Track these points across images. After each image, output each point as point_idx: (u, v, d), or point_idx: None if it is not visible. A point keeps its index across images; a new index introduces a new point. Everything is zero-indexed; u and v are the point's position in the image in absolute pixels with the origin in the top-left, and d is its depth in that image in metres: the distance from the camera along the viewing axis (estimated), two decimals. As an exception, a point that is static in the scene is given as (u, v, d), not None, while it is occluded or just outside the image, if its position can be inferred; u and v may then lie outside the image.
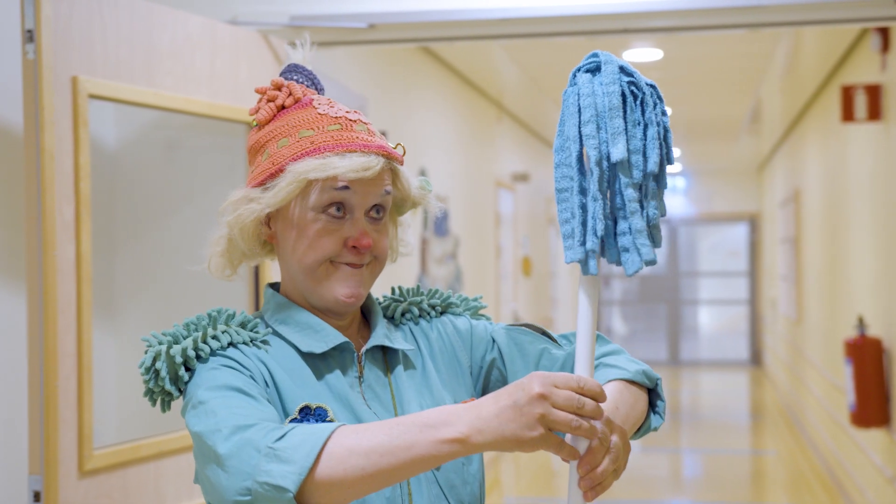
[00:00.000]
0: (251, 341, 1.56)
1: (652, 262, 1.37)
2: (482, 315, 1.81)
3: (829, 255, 8.13)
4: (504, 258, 9.57)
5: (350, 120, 1.60)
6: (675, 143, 12.68)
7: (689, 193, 16.26)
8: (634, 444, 10.12)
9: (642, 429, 1.60)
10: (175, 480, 2.97)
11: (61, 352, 2.61)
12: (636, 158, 1.34)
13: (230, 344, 1.54)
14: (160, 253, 3.43)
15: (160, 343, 1.52)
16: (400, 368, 1.65)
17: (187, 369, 1.52)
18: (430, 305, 1.75)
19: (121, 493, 2.79)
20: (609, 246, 1.37)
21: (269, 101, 1.62)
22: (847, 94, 6.11)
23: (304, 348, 1.57)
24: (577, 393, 1.31)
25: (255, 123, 1.64)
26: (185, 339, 1.52)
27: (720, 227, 16.99)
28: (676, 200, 16.30)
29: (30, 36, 2.55)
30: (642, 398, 1.57)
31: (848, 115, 6.10)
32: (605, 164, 1.34)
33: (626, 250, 1.36)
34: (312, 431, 1.33)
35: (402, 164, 1.64)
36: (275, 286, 1.68)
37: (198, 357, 1.51)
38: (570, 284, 14.19)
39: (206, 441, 1.39)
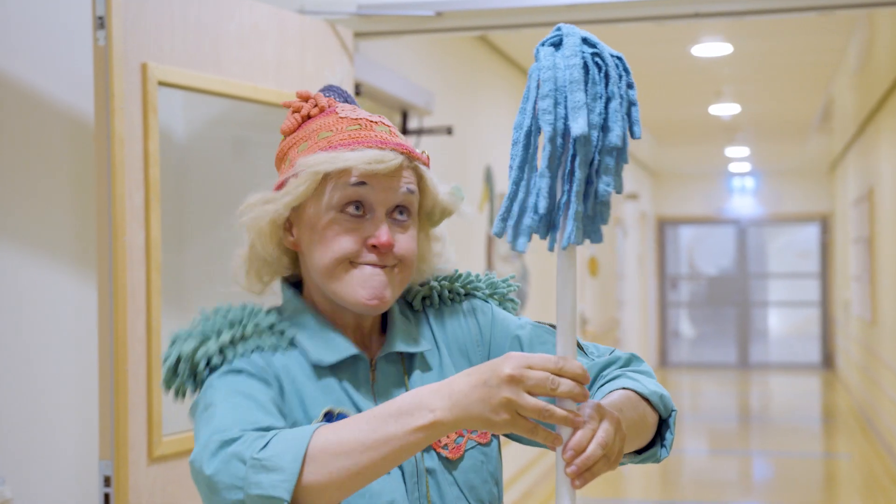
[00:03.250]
0: (276, 347, 1.53)
1: (594, 241, 1.32)
2: (510, 301, 1.73)
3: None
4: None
5: (371, 121, 1.56)
6: (744, 142, 12.53)
7: (759, 194, 16.05)
8: (702, 443, 10.00)
9: (646, 453, 1.53)
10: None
11: (131, 337, 2.63)
12: (595, 134, 1.27)
13: (256, 348, 1.51)
14: (229, 245, 3.44)
15: (187, 339, 1.51)
16: (417, 372, 1.60)
17: (210, 369, 1.50)
18: (451, 291, 1.67)
19: (189, 479, 2.80)
20: (544, 223, 1.30)
21: (294, 111, 1.61)
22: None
23: (314, 358, 1.53)
24: (555, 374, 1.25)
25: (282, 136, 1.63)
26: (213, 339, 1.50)
27: (790, 228, 16.75)
28: (745, 201, 16.10)
29: (101, 22, 2.56)
30: (651, 417, 1.50)
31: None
32: (558, 140, 1.27)
33: (556, 226, 1.30)
34: (293, 436, 1.31)
35: (426, 166, 1.59)
36: (295, 283, 1.63)
37: (222, 358, 1.50)
38: (638, 286, 14.07)
39: (194, 457, 1.38)
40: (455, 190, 1.61)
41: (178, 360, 1.49)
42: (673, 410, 1.54)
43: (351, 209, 1.51)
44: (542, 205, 1.28)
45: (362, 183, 1.50)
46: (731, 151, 13.41)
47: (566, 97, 1.27)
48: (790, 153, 13.90)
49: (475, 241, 6.43)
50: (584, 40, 1.31)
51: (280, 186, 1.55)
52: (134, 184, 2.64)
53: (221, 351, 1.49)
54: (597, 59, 1.30)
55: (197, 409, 1.47)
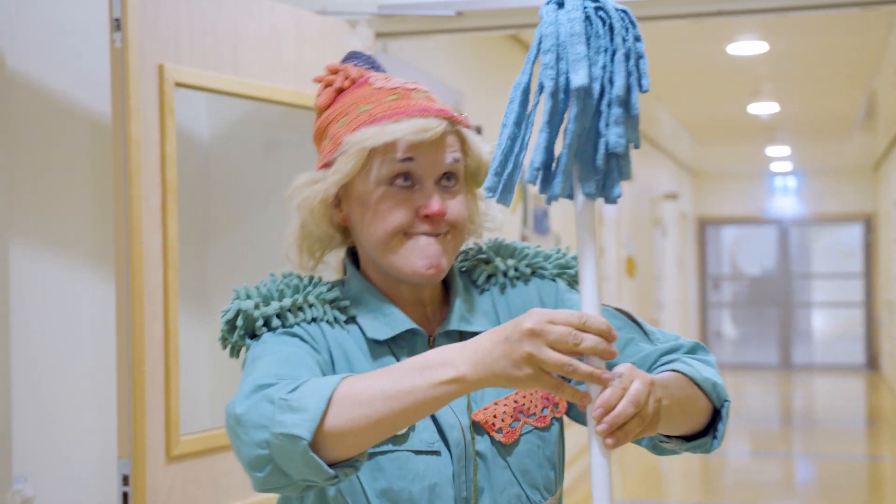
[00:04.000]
0: (334, 321, 1.53)
1: (608, 199, 1.31)
2: (572, 276, 1.68)
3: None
4: (607, 258, 9.46)
5: (408, 89, 1.56)
6: (784, 141, 12.41)
7: (801, 193, 15.88)
8: (745, 444, 9.91)
9: (696, 441, 1.50)
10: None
11: (148, 338, 2.64)
12: (597, 86, 1.27)
13: (313, 320, 1.52)
14: (253, 246, 3.46)
15: (248, 297, 1.51)
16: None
17: (267, 328, 1.51)
18: (517, 271, 1.66)
19: (208, 478, 2.81)
20: (544, 177, 1.30)
21: (326, 86, 1.59)
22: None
23: (370, 334, 1.53)
24: (577, 329, 1.23)
25: (317, 112, 1.61)
26: (274, 301, 1.51)
27: (833, 228, 16.56)
28: (787, 201, 15.94)
29: (117, 24, 2.58)
30: (702, 402, 1.47)
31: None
32: (560, 95, 1.27)
33: (552, 179, 1.30)
34: (322, 382, 1.31)
35: (468, 128, 1.58)
36: (356, 258, 1.63)
37: (280, 322, 1.50)
38: (678, 287, 13.97)
39: (230, 401, 1.40)
40: (495, 148, 1.60)
41: (237, 316, 1.50)
42: (726, 400, 1.51)
43: (400, 181, 1.51)
44: (539, 158, 1.28)
45: (409, 159, 1.50)
46: (772, 151, 13.29)
47: (567, 51, 1.27)
48: (832, 152, 13.74)
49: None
50: None
51: (326, 165, 1.55)
52: (151, 186, 2.65)
53: (280, 315, 1.50)
54: (600, 12, 1.29)
55: (246, 362, 1.48)
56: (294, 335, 1.49)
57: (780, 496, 7.93)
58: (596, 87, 1.27)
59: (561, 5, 1.30)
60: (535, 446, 1.56)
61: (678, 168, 14.02)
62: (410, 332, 1.55)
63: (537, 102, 1.30)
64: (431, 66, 5.00)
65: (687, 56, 7.43)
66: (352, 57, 1.65)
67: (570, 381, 1.40)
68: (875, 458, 9.26)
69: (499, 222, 1.66)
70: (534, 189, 7.71)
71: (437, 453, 1.49)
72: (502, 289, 1.65)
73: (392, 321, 1.54)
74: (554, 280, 1.66)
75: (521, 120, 1.30)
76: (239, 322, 1.50)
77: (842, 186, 15.62)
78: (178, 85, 2.72)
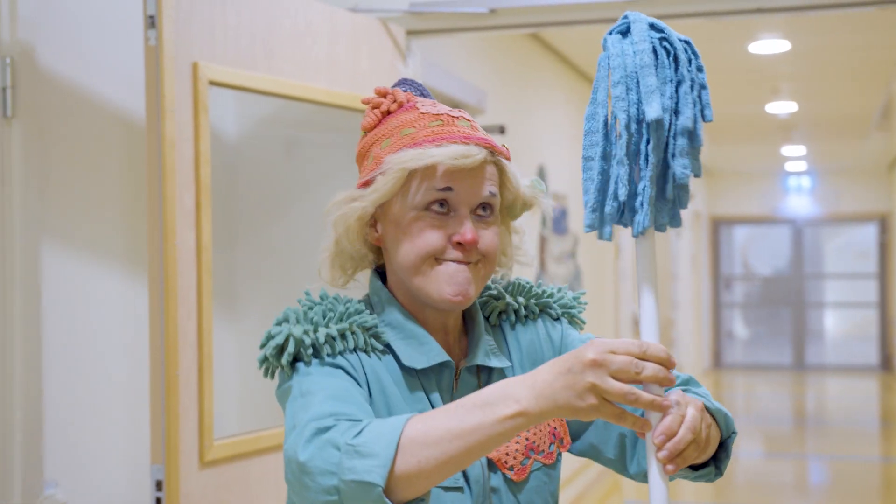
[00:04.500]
0: (371, 350, 1.54)
1: (673, 225, 1.35)
2: (578, 322, 1.74)
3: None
4: (623, 258, 9.41)
5: (452, 116, 1.57)
6: (800, 141, 12.34)
7: (815, 193, 15.82)
8: (757, 445, 9.86)
9: (701, 471, 1.54)
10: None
11: (182, 341, 2.59)
12: (666, 116, 1.30)
13: (355, 348, 1.52)
14: (279, 246, 3.41)
15: (297, 322, 1.51)
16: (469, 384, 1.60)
17: (315, 355, 1.50)
18: (526, 309, 1.69)
19: (241, 484, 2.76)
20: (628, 209, 1.34)
21: (373, 107, 1.61)
22: None
23: (406, 362, 1.54)
24: (638, 358, 1.26)
25: (362, 133, 1.63)
26: (322, 328, 1.50)
27: (847, 228, 16.48)
28: (801, 200, 15.87)
29: (151, 22, 2.53)
30: (714, 432, 1.47)
31: None
32: (633, 126, 1.30)
33: (635, 212, 1.32)
34: (387, 425, 1.32)
35: (508, 160, 1.58)
36: (382, 275, 1.64)
37: (329, 349, 1.50)
38: (692, 286, 13.93)
39: (288, 445, 1.40)
40: (535, 183, 1.62)
41: (286, 340, 1.49)
42: (733, 433, 1.54)
43: (436, 207, 1.52)
44: (622, 192, 1.31)
45: (448, 188, 1.51)
46: (788, 150, 13.22)
47: (638, 82, 1.30)
48: (848, 152, 13.67)
49: (527, 242, 6.36)
50: (652, 26, 1.34)
51: (365, 184, 1.56)
52: (185, 185, 2.61)
53: (328, 342, 1.50)
54: (665, 43, 1.32)
55: (290, 393, 1.48)
56: (338, 366, 1.49)
57: (793, 498, 7.90)
58: (666, 119, 1.30)
59: (625, 34, 1.34)
60: (542, 482, 1.59)
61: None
62: (439, 363, 1.57)
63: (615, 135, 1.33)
64: (453, 64, 4.95)
65: (708, 55, 7.37)
66: (402, 83, 1.66)
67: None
68: (889, 459, 9.21)
69: (531, 258, 1.68)
70: (557, 187, 7.71)
71: (460, 490, 1.52)
72: (512, 326, 1.67)
73: (428, 351, 1.55)
74: (559, 319, 1.71)
75: (608, 153, 1.33)
76: (290, 347, 1.49)
77: (857, 186, 15.55)
78: (213, 83, 2.68)
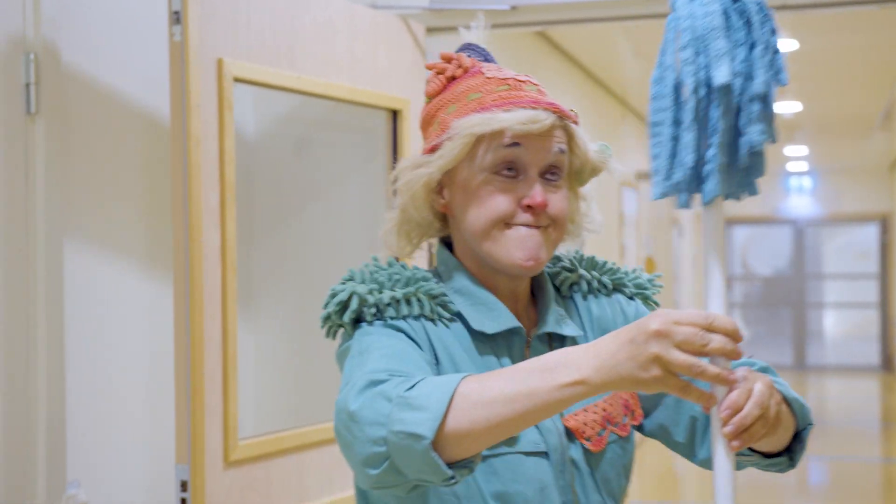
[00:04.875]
0: (438, 318, 1.51)
1: (750, 193, 1.31)
2: (652, 303, 1.70)
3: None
4: (628, 258, 9.40)
5: (519, 81, 1.55)
6: (803, 141, 12.34)
7: (816, 193, 15.82)
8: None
9: (774, 459, 1.50)
10: (318, 473, 2.92)
11: (207, 340, 2.57)
12: (738, 81, 1.24)
13: (420, 315, 1.50)
14: (295, 245, 3.40)
15: (363, 282, 1.50)
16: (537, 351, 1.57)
17: (376, 316, 1.49)
18: (600, 283, 1.65)
19: (264, 484, 2.74)
20: (696, 177, 1.29)
21: (438, 73, 1.59)
22: None
23: (476, 326, 1.51)
24: (704, 329, 1.21)
25: (427, 99, 1.61)
26: (387, 290, 1.49)
27: (849, 228, 16.48)
28: (803, 200, 15.88)
29: (176, 17, 2.51)
30: (788, 421, 1.45)
31: None
32: (702, 90, 1.25)
33: (703, 180, 1.28)
34: (441, 381, 1.29)
35: (577, 124, 1.56)
36: (447, 245, 1.61)
37: (393, 311, 1.48)
38: (695, 287, 13.92)
39: (340, 397, 1.38)
40: (603, 148, 1.59)
41: (350, 297, 1.48)
42: (810, 424, 1.50)
43: (504, 171, 1.50)
44: (689, 159, 1.26)
45: (515, 144, 1.48)
46: (790, 150, 13.22)
47: (706, 46, 1.24)
48: (850, 152, 13.68)
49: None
50: None
51: (432, 150, 1.54)
52: (209, 184, 2.59)
53: (391, 304, 1.48)
54: (738, 3, 1.26)
55: (349, 352, 1.45)
56: (400, 330, 1.47)
57: (793, 498, 7.90)
58: (736, 83, 1.24)
59: None
60: (616, 455, 1.57)
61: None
62: (509, 330, 1.54)
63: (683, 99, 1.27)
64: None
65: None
66: (466, 48, 1.63)
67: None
68: (890, 460, 9.21)
69: (599, 224, 1.64)
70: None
71: (544, 454, 1.49)
72: (584, 297, 1.64)
73: (497, 316, 1.52)
74: (632, 299, 1.67)
75: (680, 119, 1.27)
76: (353, 304, 1.47)
77: (858, 186, 15.55)
78: (237, 80, 2.66)
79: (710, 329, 1.22)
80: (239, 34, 2.68)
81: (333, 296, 1.49)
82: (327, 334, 1.52)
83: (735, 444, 1.26)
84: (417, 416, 1.26)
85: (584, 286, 1.64)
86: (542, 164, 1.50)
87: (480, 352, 1.52)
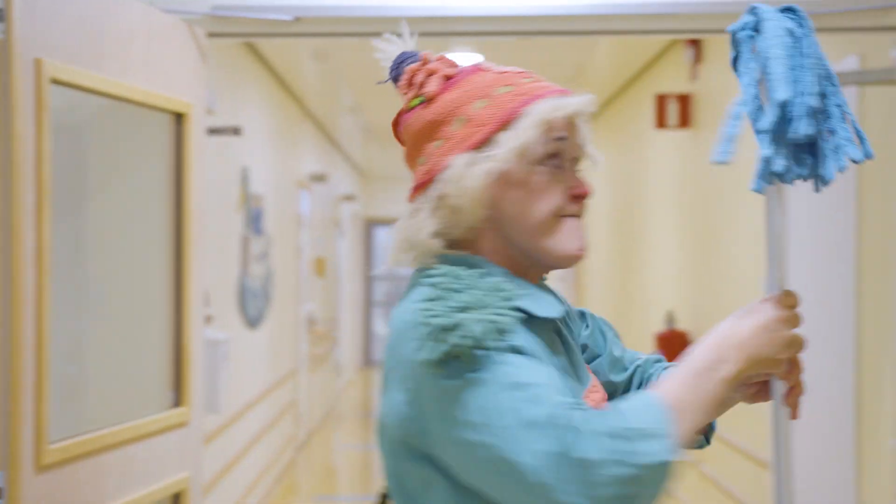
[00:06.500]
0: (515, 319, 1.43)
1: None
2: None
3: (624, 257, 8.60)
4: (304, 258, 9.58)
5: (530, 73, 1.56)
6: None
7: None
8: None
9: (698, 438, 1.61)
10: (121, 474, 2.90)
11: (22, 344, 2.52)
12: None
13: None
14: (82, 243, 3.32)
15: (472, 308, 1.37)
16: (568, 336, 1.58)
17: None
18: None
19: (78, 486, 2.71)
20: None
21: (429, 74, 1.56)
22: (661, 102, 6.52)
23: (543, 313, 1.46)
24: (794, 306, 1.43)
25: (418, 100, 1.56)
26: (495, 308, 1.38)
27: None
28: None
29: (0, 15, 2.44)
30: None
31: (661, 121, 6.51)
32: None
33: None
34: (640, 403, 1.32)
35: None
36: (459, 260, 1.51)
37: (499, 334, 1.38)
38: (352, 286, 14.29)
39: (539, 445, 1.28)
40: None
41: (478, 330, 1.35)
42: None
43: (552, 161, 1.50)
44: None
45: (563, 138, 1.50)
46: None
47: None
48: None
49: (230, 243, 6.39)
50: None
51: (474, 142, 1.49)
52: (27, 185, 2.53)
53: (497, 329, 1.36)
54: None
55: (481, 384, 1.33)
56: (519, 350, 1.38)
57: None
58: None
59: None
60: None
61: (353, 170, 14.36)
62: (556, 320, 1.53)
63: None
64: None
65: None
66: (403, 56, 1.63)
67: None
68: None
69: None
70: (256, 188, 7.74)
71: None
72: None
73: (551, 303, 1.51)
74: None
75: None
76: (478, 335, 1.35)
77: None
78: (54, 81, 2.61)
79: (794, 306, 1.42)
80: (54, 35, 2.63)
81: (453, 328, 1.34)
82: (437, 367, 1.35)
83: (795, 411, 1.47)
84: (657, 446, 1.27)
85: None
86: (576, 156, 1.53)
87: (548, 347, 1.48)
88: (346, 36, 3.35)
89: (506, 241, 1.52)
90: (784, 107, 1.40)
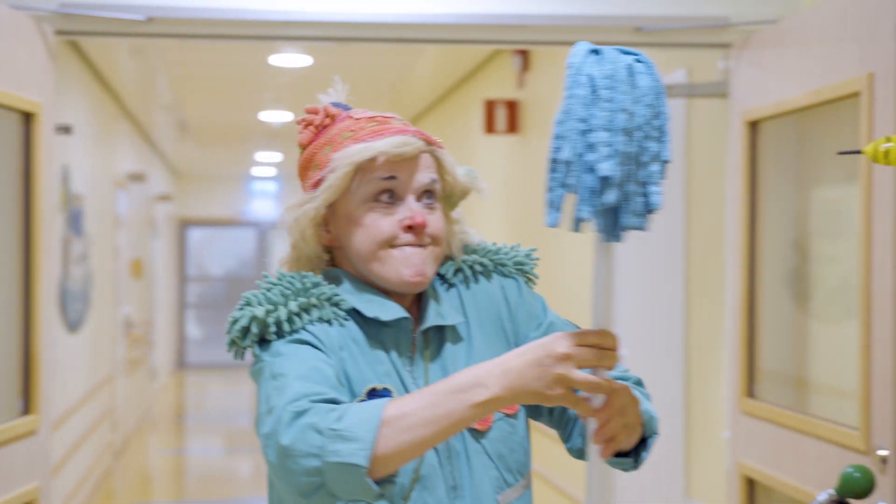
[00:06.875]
0: (334, 318, 1.62)
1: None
2: (532, 278, 1.81)
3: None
4: (121, 259, 9.34)
5: (386, 117, 1.70)
6: (279, 148, 12.91)
7: (282, 197, 16.57)
8: (217, 442, 10.24)
9: (622, 458, 1.65)
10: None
11: None
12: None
13: (319, 319, 1.60)
14: None
15: (259, 304, 1.59)
16: (448, 344, 1.70)
17: (277, 334, 1.58)
18: (480, 265, 1.77)
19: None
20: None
21: (307, 125, 1.72)
22: (489, 108, 6.66)
23: (370, 314, 1.63)
24: (598, 346, 1.42)
25: (301, 149, 1.74)
26: (282, 306, 1.58)
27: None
28: (268, 204, 16.54)
29: None
30: (638, 431, 1.59)
31: (490, 127, 6.65)
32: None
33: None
34: (366, 410, 1.43)
35: (443, 149, 1.71)
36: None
37: (290, 326, 1.58)
38: (167, 288, 14.00)
39: (269, 428, 1.47)
40: (468, 172, 1.74)
41: (251, 321, 1.57)
42: (655, 433, 1.69)
43: (384, 198, 1.64)
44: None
45: (391, 177, 1.63)
46: (263, 156, 13.73)
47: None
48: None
49: (52, 245, 6.19)
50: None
51: (314, 186, 1.66)
52: None
53: (290, 318, 1.58)
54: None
55: (263, 374, 1.55)
56: (304, 342, 1.58)
57: (251, 489, 8.29)
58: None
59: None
60: (506, 432, 1.69)
61: (168, 170, 14.06)
62: (398, 324, 1.66)
63: None
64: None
65: (229, 63, 7.64)
66: (333, 105, 1.75)
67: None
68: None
69: (476, 244, 1.79)
70: (76, 188, 7.49)
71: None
72: (467, 282, 1.76)
73: (388, 308, 1.65)
74: (514, 277, 1.79)
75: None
76: (254, 329, 1.58)
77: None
78: None
79: (601, 345, 1.42)
80: None
81: (234, 322, 1.59)
82: (235, 357, 1.61)
83: (605, 451, 1.47)
84: (351, 447, 1.39)
85: (467, 271, 1.76)
86: (418, 189, 1.65)
87: (372, 346, 1.64)
88: (197, 38, 3.31)
89: (357, 270, 1.69)
90: (568, 164, 1.40)
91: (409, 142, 1.64)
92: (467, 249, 1.80)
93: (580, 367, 1.43)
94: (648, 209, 1.42)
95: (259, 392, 1.55)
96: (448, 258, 1.78)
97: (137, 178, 9.96)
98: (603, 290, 1.47)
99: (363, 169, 1.64)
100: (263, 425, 1.49)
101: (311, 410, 1.43)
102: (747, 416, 3.28)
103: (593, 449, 1.49)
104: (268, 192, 16.57)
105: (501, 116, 6.62)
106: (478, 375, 1.44)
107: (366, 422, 1.41)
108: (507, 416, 1.70)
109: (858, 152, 2.02)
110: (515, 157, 6.71)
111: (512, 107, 6.61)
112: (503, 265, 1.80)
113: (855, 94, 2.78)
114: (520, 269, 1.80)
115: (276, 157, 13.64)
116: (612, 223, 1.43)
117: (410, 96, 9.04)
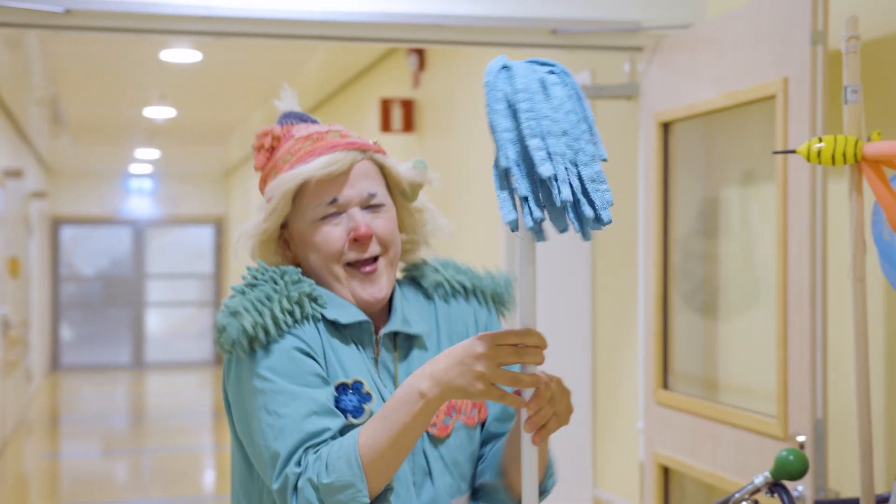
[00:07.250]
0: (310, 318, 1.68)
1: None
2: (505, 310, 1.89)
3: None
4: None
5: (321, 133, 1.75)
6: (159, 145, 12.69)
7: (157, 195, 16.29)
8: (95, 445, 10.06)
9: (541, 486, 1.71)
10: None
11: None
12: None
13: (303, 317, 1.66)
14: None
15: (247, 311, 1.63)
16: (415, 350, 1.77)
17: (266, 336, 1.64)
18: (460, 284, 1.84)
19: None
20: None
21: (258, 149, 1.78)
22: (385, 106, 6.69)
23: (330, 316, 1.69)
24: (519, 344, 1.51)
25: (259, 173, 1.80)
26: (266, 312, 1.63)
27: (187, 229, 16.98)
28: (143, 201, 16.24)
29: None
30: (567, 420, 1.66)
31: (386, 125, 6.68)
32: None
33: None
34: (343, 449, 1.57)
35: (381, 153, 1.76)
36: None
37: (278, 331, 1.65)
38: (41, 288, 13.62)
39: (281, 487, 1.60)
40: (417, 163, 1.79)
41: (239, 336, 1.63)
42: (553, 480, 1.81)
43: (331, 217, 1.71)
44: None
45: (334, 201, 1.70)
46: (142, 153, 13.48)
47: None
48: (196, 158, 14.30)
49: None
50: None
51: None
52: None
53: (276, 324, 1.64)
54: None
55: (255, 399, 1.63)
56: (293, 348, 1.65)
57: (130, 492, 8.22)
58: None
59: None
60: (464, 441, 1.77)
61: (42, 166, 13.68)
62: (359, 325, 1.73)
63: None
64: None
65: (117, 57, 7.49)
66: (286, 116, 1.81)
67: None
68: (221, 446, 9.81)
69: (446, 230, 1.85)
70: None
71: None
72: (445, 298, 1.83)
73: (349, 311, 1.72)
74: (489, 308, 1.87)
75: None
76: (243, 341, 1.63)
77: (197, 190, 16.33)
78: None
79: (524, 343, 1.51)
80: None
81: (222, 331, 1.65)
82: (224, 353, 1.69)
83: (536, 438, 1.54)
84: (349, 494, 1.55)
85: (447, 287, 1.82)
86: (361, 202, 1.72)
87: (342, 341, 1.71)
88: (116, 31, 3.26)
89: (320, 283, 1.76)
90: (507, 172, 1.45)
91: (337, 159, 1.70)
92: (449, 266, 1.86)
93: (504, 365, 1.52)
94: (608, 203, 1.47)
95: (250, 411, 1.64)
96: (417, 244, 1.84)
97: (14, 174, 9.67)
98: (528, 291, 1.53)
99: (303, 191, 1.71)
100: (269, 475, 1.61)
101: (307, 471, 1.57)
102: (662, 407, 3.39)
103: (526, 437, 1.56)
104: (145, 190, 16.26)
105: (397, 115, 6.66)
106: (412, 385, 1.57)
107: (349, 465, 1.55)
108: (467, 426, 1.78)
109: (793, 151, 2.11)
110: (412, 155, 6.71)
111: (408, 106, 6.65)
112: (483, 291, 1.86)
113: (770, 98, 2.90)
114: (495, 301, 1.87)
115: (156, 153, 13.41)
116: (578, 220, 1.47)
117: (303, 93, 8.97)
